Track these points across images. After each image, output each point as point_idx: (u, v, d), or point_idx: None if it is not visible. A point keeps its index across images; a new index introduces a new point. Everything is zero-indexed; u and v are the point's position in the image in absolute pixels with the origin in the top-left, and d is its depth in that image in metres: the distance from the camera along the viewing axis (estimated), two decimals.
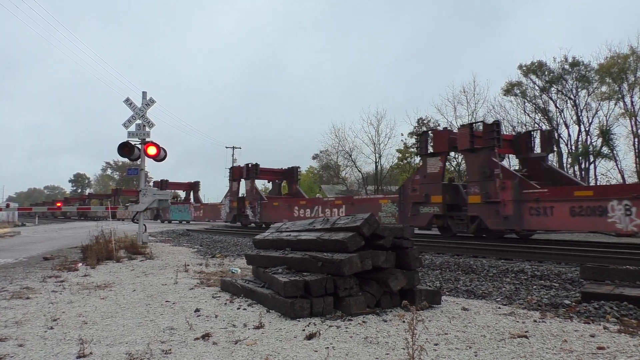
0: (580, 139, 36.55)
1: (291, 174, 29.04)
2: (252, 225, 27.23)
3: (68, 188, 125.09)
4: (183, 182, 43.86)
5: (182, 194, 43.77)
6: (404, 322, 4.14)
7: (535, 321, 4.25)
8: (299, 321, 4.22)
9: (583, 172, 35.54)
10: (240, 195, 28.46)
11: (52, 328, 4.08)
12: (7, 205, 32.64)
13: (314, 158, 57.80)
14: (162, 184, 38.61)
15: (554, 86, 37.08)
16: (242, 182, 28.96)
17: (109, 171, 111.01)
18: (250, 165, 27.45)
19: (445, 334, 3.81)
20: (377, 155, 43.54)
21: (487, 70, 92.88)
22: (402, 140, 44.03)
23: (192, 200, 42.16)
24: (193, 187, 42.99)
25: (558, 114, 37.47)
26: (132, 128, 13.20)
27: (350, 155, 45.56)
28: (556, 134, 37.27)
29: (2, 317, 4.54)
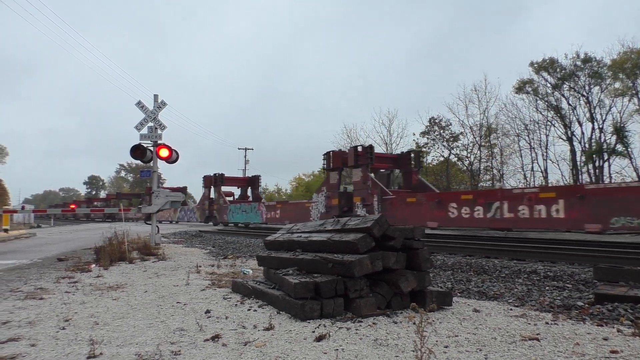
0: (593, 136, 36.13)
1: (408, 158, 22.56)
2: None
3: (83, 190, 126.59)
4: (239, 176, 40.88)
5: (236, 190, 39.08)
6: (414, 323, 4.12)
7: (547, 323, 4.21)
8: (309, 323, 4.21)
9: (597, 170, 35.11)
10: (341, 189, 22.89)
11: (64, 328, 4.12)
12: (23, 207, 33.03)
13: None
14: (217, 179, 35.50)
15: (566, 83, 36.72)
16: (345, 172, 24.83)
17: (122, 173, 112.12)
18: (360, 149, 21.38)
19: (456, 336, 3.78)
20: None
21: (500, 68, 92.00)
22: (414, 140, 43.92)
23: (250, 197, 36.87)
24: (252, 182, 37.35)
25: (571, 111, 37.11)
26: (144, 131, 13.32)
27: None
28: (569, 132, 36.91)
29: (16, 317, 4.60)
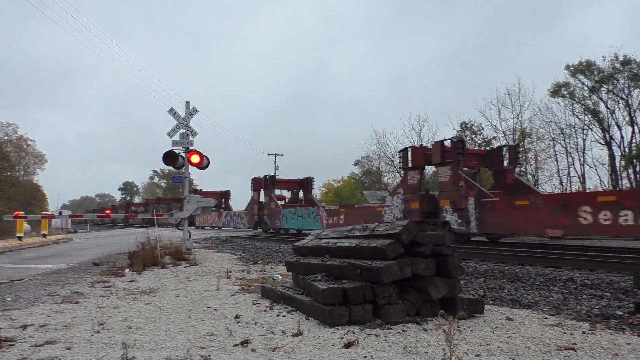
0: (634, 140, 34.95)
1: (500, 154, 19.33)
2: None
3: (118, 196, 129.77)
4: (290, 179, 36.11)
5: (286, 193, 35.88)
6: (444, 331, 4.05)
7: (584, 333, 4.07)
8: (337, 329, 4.19)
9: (638, 175, 33.95)
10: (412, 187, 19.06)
11: (98, 332, 4.22)
12: (60, 213, 34.06)
13: (355, 164, 57.70)
14: (268, 182, 32.25)
15: (604, 86, 35.69)
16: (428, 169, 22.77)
17: (156, 179, 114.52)
18: (449, 144, 17.96)
19: (488, 344, 3.70)
20: None
21: (534, 71, 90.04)
22: None
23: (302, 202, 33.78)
24: (304, 184, 33.64)
25: (609, 114, 36.01)
26: (176, 137, 13.58)
27: (392, 161, 45.25)
28: (608, 136, 35.83)
29: (53, 320, 4.73)
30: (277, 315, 4.88)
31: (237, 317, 4.81)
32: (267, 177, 32.64)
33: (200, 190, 45.49)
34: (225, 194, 46.27)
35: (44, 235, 21.90)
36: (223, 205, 45.77)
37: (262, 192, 33.38)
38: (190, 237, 13.62)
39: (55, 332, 4.25)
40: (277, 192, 33.78)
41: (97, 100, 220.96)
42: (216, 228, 43.03)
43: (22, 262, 11.80)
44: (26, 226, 25.81)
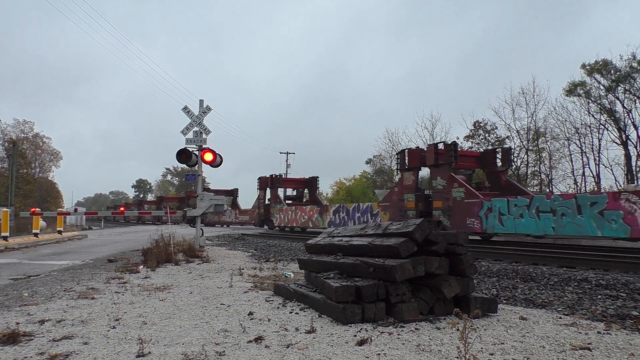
0: None
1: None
2: None
3: (131, 193, 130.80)
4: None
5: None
6: (457, 330, 4.04)
7: (599, 333, 4.04)
8: (350, 327, 4.20)
9: None
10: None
11: (114, 327, 4.27)
12: (76, 210, 34.48)
13: (367, 162, 57.55)
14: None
15: (621, 85, 35.15)
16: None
17: (169, 177, 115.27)
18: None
19: (502, 343, 3.69)
20: None
21: (550, 70, 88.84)
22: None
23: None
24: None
25: (626, 114, 35.48)
26: (190, 135, 13.66)
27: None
28: (624, 136, 35.35)
29: (70, 315, 4.80)
30: (290, 313, 4.90)
31: (250, 313, 4.85)
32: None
33: (209, 188, 45.70)
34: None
35: (60, 232, 22.18)
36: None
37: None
38: (202, 234, 13.71)
39: (72, 327, 4.32)
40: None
41: (115, 98, 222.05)
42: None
43: (38, 258, 11.98)
44: (42, 223, 26.17)
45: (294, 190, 35.71)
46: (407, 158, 20.10)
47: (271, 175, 33.48)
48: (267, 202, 34.14)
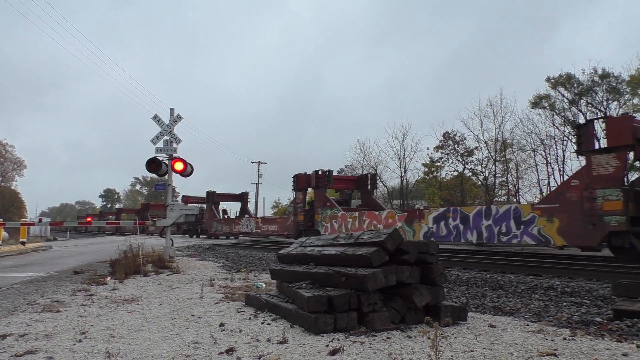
0: None
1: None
2: None
3: (98, 203, 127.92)
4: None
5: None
6: (429, 338, 4.08)
7: (565, 339, 4.14)
8: (322, 336, 4.20)
9: None
10: None
11: (80, 341, 4.16)
12: (40, 220, 33.51)
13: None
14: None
15: (584, 98, 36.40)
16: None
17: (137, 186, 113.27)
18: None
19: (471, 351, 3.74)
20: (402, 169, 43.28)
21: (523, 83, 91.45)
22: (427, 155, 43.74)
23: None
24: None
25: None
26: (160, 144, 13.49)
27: (376, 170, 45.40)
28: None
29: (33, 329, 4.65)
30: (262, 323, 4.87)
31: (221, 325, 4.79)
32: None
33: (186, 196, 43.98)
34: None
35: (23, 243, 21.47)
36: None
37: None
38: (172, 244, 13.50)
39: (36, 341, 4.18)
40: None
41: (86, 106, 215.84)
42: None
43: (0, 270, 11.57)
44: (4, 234, 25.26)
45: (336, 191, 29.60)
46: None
47: (316, 172, 25.69)
48: (306, 206, 26.87)
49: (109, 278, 8.86)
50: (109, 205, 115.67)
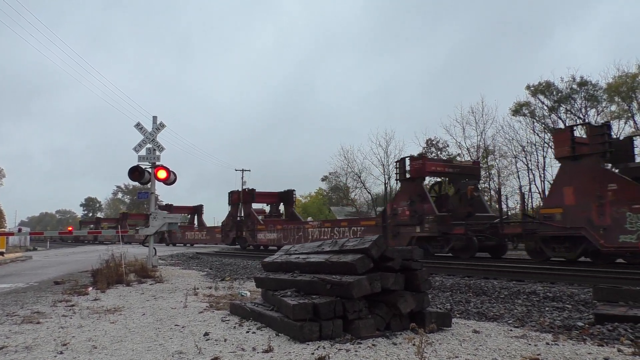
0: None
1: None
2: None
3: (79, 212, 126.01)
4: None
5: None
6: (414, 345, 4.10)
7: (547, 344, 4.19)
8: (308, 344, 4.19)
9: None
10: None
11: (61, 353, 4.09)
12: (19, 230, 32.88)
13: (323, 180, 57.88)
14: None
15: (563, 105, 37.08)
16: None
17: (119, 195, 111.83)
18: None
19: (456, 357, 3.76)
20: (386, 176, 43.52)
21: (511, 91, 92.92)
22: None
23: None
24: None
25: None
26: (143, 152, 13.36)
27: (360, 177, 45.63)
28: None
29: (13, 341, 4.56)
30: (247, 332, 4.84)
31: (206, 334, 4.75)
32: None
33: (171, 205, 44.15)
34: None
35: (2, 254, 21.04)
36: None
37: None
38: (155, 253, 13.35)
39: (15, 353, 4.10)
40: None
41: (71, 113, 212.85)
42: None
43: None
44: None
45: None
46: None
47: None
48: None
49: (90, 288, 8.72)
50: (90, 214, 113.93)
